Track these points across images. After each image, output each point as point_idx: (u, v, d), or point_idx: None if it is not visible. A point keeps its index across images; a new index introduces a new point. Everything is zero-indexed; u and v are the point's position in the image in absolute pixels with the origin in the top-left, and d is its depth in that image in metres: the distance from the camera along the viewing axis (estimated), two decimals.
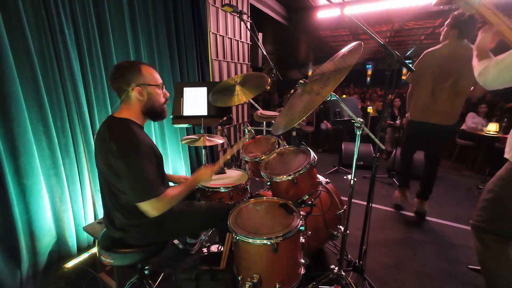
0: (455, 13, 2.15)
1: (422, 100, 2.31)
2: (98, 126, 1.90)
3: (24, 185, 1.53)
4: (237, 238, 1.19)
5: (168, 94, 1.30)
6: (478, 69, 1.16)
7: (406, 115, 2.56)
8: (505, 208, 1.26)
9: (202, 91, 2.18)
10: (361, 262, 1.74)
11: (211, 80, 3.09)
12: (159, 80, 1.24)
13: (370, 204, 1.58)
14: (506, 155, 1.27)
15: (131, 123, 1.17)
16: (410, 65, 1.38)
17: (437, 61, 2.18)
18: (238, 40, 3.69)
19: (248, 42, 3.96)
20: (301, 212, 1.32)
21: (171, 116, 2.14)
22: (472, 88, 2.14)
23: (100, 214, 2.03)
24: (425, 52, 2.28)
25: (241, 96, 1.92)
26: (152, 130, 2.44)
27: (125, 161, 1.07)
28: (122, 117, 1.18)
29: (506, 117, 4.06)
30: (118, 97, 1.20)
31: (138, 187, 1.08)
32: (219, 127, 3.27)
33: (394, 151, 3.57)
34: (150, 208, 1.10)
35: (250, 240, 1.16)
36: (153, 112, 1.25)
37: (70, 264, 1.76)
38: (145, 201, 1.08)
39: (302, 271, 1.29)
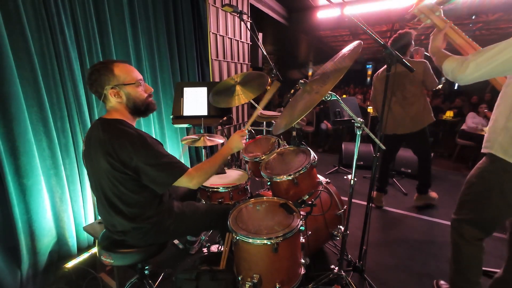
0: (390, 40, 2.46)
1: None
2: None
3: (24, 185, 1.53)
4: (237, 238, 1.19)
5: (151, 89, 1.25)
6: (451, 66, 1.22)
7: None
8: (486, 200, 1.28)
9: (202, 91, 2.18)
10: (361, 262, 1.74)
11: (211, 80, 3.09)
12: (137, 77, 1.18)
13: (370, 204, 1.58)
14: (484, 150, 1.29)
15: (126, 123, 1.16)
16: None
17: (383, 82, 2.41)
18: (238, 40, 3.69)
19: (248, 42, 3.96)
20: (301, 212, 1.33)
21: (171, 116, 2.15)
22: (423, 90, 2.44)
23: None
24: (374, 76, 2.75)
25: (241, 97, 1.92)
26: (152, 130, 2.44)
27: (143, 155, 1.09)
28: (116, 118, 1.17)
29: None
30: (100, 100, 1.17)
31: (165, 170, 1.12)
32: (219, 127, 3.27)
33: None
34: (186, 183, 1.16)
35: (250, 240, 1.16)
36: (138, 110, 1.21)
37: (70, 264, 1.76)
38: (177, 180, 1.13)
39: (302, 271, 1.29)
